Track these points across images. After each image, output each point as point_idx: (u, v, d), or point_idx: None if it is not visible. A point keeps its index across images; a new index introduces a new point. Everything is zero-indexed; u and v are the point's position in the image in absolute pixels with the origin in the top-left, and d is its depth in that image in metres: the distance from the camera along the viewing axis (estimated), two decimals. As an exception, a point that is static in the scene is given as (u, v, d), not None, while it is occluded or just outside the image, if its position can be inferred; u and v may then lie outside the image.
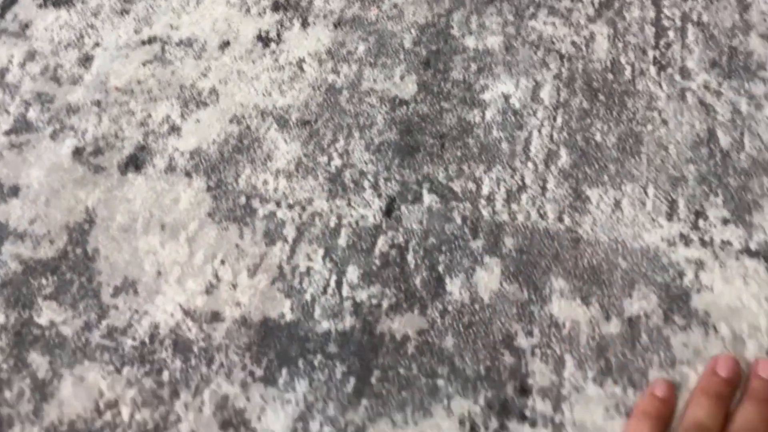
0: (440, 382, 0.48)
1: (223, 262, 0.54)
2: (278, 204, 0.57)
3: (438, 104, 0.61)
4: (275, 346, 0.50)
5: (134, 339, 0.51)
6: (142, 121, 0.63)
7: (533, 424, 0.46)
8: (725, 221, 0.53)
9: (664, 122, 0.59)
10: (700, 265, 0.51)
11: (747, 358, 0.47)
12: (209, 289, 0.53)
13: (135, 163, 0.60)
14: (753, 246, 0.52)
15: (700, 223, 0.53)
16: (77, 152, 0.61)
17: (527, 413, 0.46)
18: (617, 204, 0.55)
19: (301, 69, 0.64)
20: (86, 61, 0.68)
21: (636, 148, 0.58)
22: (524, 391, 0.47)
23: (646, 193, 0.55)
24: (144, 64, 0.66)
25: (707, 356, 0.47)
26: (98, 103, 0.65)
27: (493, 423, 0.46)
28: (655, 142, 0.58)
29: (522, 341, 0.49)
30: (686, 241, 0.53)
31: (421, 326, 0.50)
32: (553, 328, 0.50)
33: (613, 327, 0.49)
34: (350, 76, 0.63)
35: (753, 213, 0.54)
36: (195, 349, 0.51)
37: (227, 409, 0.48)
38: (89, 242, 0.56)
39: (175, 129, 0.62)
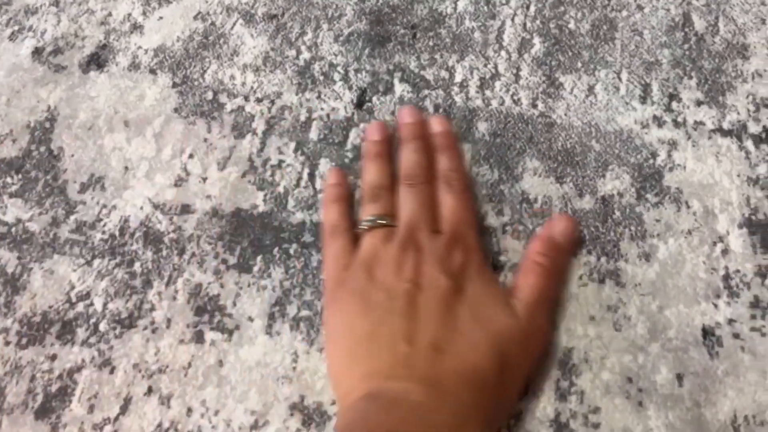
0: (415, 264, 0.48)
1: (191, 156, 0.53)
2: (246, 98, 0.55)
3: (409, -5, 0.59)
4: (248, 235, 0.50)
5: (104, 233, 0.51)
6: (103, 20, 0.60)
7: (508, 299, 0.46)
8: (699, 103, 0.53)
9: (639, 7, 0.58)
10: (673, 145, 0.51)
11: (719, 231, 0.48)
12: (178, 183, 0.52)
13: (97, 61, 0.58)
14: (725, 125, 0.52)
15: (674, 105, 0.53)
16: (37, 52, 0.59)
17: (502, 289, 0.47)
18: (591, 89, 0.54)
19: (267, -37, 0.62)
20: (40, -38, 0.65)
21: (610, 34, 0.57)
22: (496, 268, 0.47)
23: (619, 78, 0.55)
24: (102, -36, 0.64)
25: (678, 230, 0.48)
26: (56, 3, 0.62)
27: (468, 300, 0.46)
28: (629, 27, 0.57)
29: (492, 220, 0.49)
30: (659, 122, 0.52)
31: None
32: (524, 203, 0.49)
33: (586, 203, 0.49)
34: (317, -31, 0.61)
35: (726, 94, 0.53)
36: (166, 240, 0.50)
37: (201, 296, 0.48)
38: (53, 140, 0.54)
39: (137, 27, 0.60)
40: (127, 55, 0.58)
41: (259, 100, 0.55)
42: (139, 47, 0.58)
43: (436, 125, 0.49)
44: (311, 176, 0.51)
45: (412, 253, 0.40)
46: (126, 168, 0.53)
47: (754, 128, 0.52)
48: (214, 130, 0.54)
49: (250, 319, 0.46)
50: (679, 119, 0.52)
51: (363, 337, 0.38)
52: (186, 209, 0.51)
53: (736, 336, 0.44)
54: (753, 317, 0.45)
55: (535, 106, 0.54)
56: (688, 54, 0.55)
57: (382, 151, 0.48)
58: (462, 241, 0.42)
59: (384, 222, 0.43)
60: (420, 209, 0.43)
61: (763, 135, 0.51)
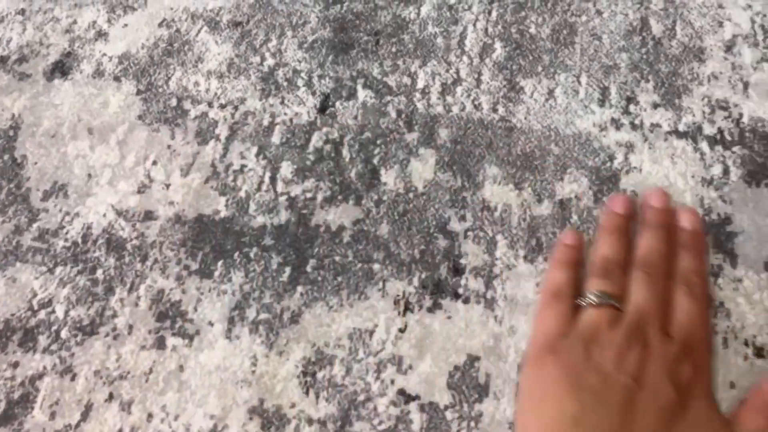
0: (375, 267, 0.48)
1: (155, 162, 0.53)
2: (210, 104, 0.56)
3: (373, 2, 0.60)
4: (210, 241, 0.50)
5: (66, 240, 0.51)
6: (68, 27, 0.61)
7: (466, 300, 0.47)
8: (655, 105, 0.54)
9: (599, 12, 0.59)
10: (629, 147, 0.52)
11: (672, 232, 0.48)
12: (141, 189, 0.52)
13: (61, 69, 0.58)
14: (681, 127, 0.53)
15: (631, 108, 0.54)
16: (2, 61, 0.59)
17: (460, 291, 0.47)
18: (551, 93, 0.55)
19: (232, -29, 0.62)
20: (6, -30, 0.65)
21: (570, 39, 0.58)
22: (457, 271, 0.48)
23: (579, 81, 0.55)
24: (68, -29, 0.64)
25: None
26: (22, 12, 0.62)
27: (427, 302, 0.47)
28: (589, 32, 0.58)
29: (455, 225, 0.50)
30: (617, 125, 0.53)
31: (356, 216, 0.50)
32: (485, 211, 0.50)
33: (545, 209, 0.50)
34: (282, -24, 0.62)
35: (682, 97, 0.54)
36: (129, 247, 0.50)
37: (163, 302, 0.48)
38: (17, 148, 0.55)
39: (102, 34, 0.60)
40: (91, 63, 0.58)
41: (222, 106, 0.55)
42: (104, 54, 0.59)
43: (686, 221, 0.44)
44: (272, 180, 0.52)
45: (638, 348, 0.36)
46: (89, 175, 0.53)
47: (709, 130, 0.52)
48: (178, 137, 0.54)
49: (211, 324, 0.47)
50: (636, 122, 0.53)
51: (567, 417, 0.34)
52: (149, 216, 0.51)
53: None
54: (705, 316, 0.45)
55: (495, 110, 0.55)
56: (646, 58, 0.56)
57: (621, 227, 0.44)
58: (694, 355, 0.37)
59: (613, 303, 0.39)
60: (654, 302, 0.39)
61: (718, 137, 0.52)
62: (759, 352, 0.44)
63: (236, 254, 0.49)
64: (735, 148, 0.51)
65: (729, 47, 0.56)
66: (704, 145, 0.52)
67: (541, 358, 0.38)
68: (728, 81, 0.55)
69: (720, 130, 0.52)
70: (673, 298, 0.39)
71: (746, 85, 0.54)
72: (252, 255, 0.49)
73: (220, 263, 0.49)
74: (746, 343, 0.44)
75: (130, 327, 0.48)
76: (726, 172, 0.50)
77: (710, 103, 0.54)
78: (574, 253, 0.43)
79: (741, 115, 0.53)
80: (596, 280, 0.41)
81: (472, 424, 0.43)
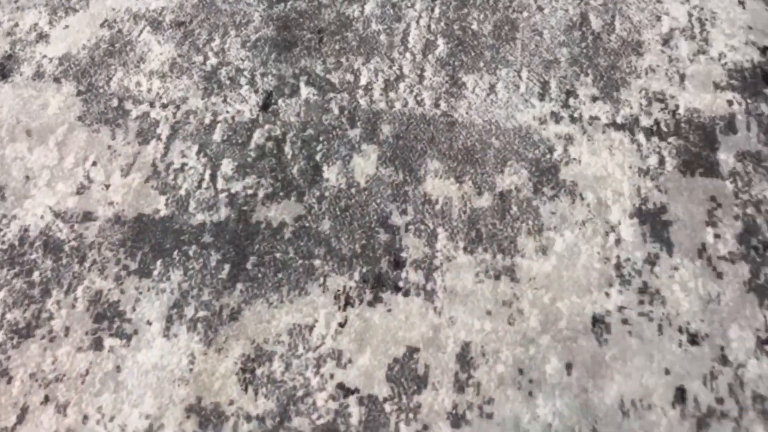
0: (316, 263, 0.48)
1: (94, 163, 0.53)
2: (152, 104, 0.55)
3: (316, 0, 0.60)
4: (150, 240, 0.50)
5: (2, 243, 0.50)
6: (9, 30, 0.60)
7: (406, 293, 0.47)
8: (594, 98, 0.55)
9: (540, 8, 0.59)
10: (569, 140, 0.53)
11: (611, 221, 0.49)
12: (81, 190, 0.52)
13: (1, 72, 0.58)
14: (619, 120, 0.53)
15: (571, 101, 0.55)
16: (-62, 64, 0.58)
17: (401, 284, 0.47)
18: (492, 88, 0.56)
19: (175, -29, 0.62)
20: (-54, -27, 0.64)
21: (511, 35, 0.58)
22: (398, 264, 0.48)
23: (520, 76, 0.56)
24: (9, -26, 0.63)
25: (573, 222, 0.49)
26: (-40, 15, 0.61)
27: (368, 295, 0.47)
28: (530, 27, 0.58)
29: (396, 219, 0.50)
30: (557, 118, 0.54)
31: (297, 212, 0.50)
32: (426, 205, 0.50)
33: (485, 201, 0.50)
34: (226, -24, 0.62)
35: (621, 90, 0.55)
36: (66, 248, 0.50)
37: (101, 303, 0.47)
38: (-48, 152, 0.54)
39: (43, 36, 0.59)
40: (31, 65, 0.58)
41: (164, 106, 0.55)
42: (44, 56, 0.58)
43: None
44: (213, 177, 0.52)
45: None
46: (27, 177, 0.52)
47: (646, 122, 0.53)
48: (119, 137, 0.54)
49: (149, 323, 0.46)
50: (576, 115, 0.54)
51: None
52: (88, 216, 0.51)
53: (625, 322, 0.45)
54: (641, 303, 0.46)
55: (437, 106, 0.55)
56: (585, 52, 0.57)
57: None
58: None
59: None
60: None
61: (655, 128, 0.53)
62: (693, 339, 0.45)
63: (175, 253, 0.49)
64: (671, 139, 0.52)
65: (666, 40, 0.57)
66: (641, 137, 0.53)
67: None
68: (665, 73, 0.56)
69: (657, 122, 0.53)
70: None
71: (683, 77, 0.55)
72: (191, 253, 0.49)
73: (159, 262, 0.49)
74: (680, 330, 0.45)
75: (67, 329, 0.47)
76: (662, 162, 0.51)
77: (647, 96, 0.54)
78: None
79: (677, 106, 0.54)
80: None
81: (411, 415, 0.43)
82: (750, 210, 0.49)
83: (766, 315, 0.45)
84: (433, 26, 0.59)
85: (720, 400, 0.43)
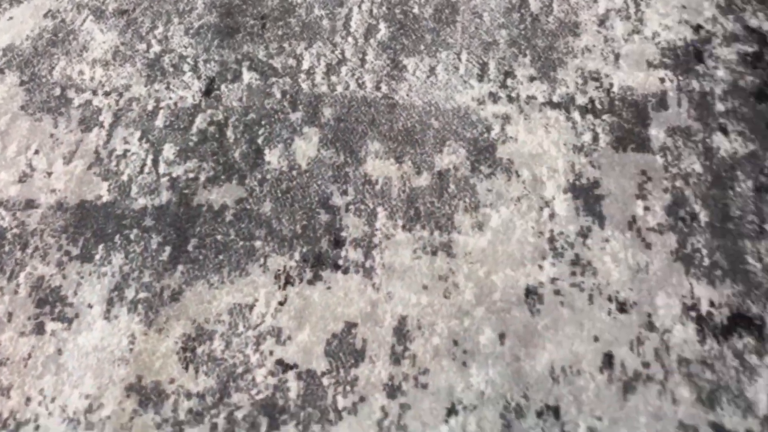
0: (257, 244, 0.49)
1: (37, 152, 0.53)
2: (94, 92, 0.56)
3: (260, -12, 0.61)
4: (92, 225, 0.50)
5: (-56, 231, 0.50)
6: (-50, 21, 0.60)
7: (346, 270, 0.48)
8: (532, 78, 0.56)
9: (479, -8, 0.60)
10: (506, 119, 0.54)
11: (546, 197, 0.50)
12: (23, 179, 0.52)
13: (-58, 62, 0.58)
14: (555, 99, 0.55)
15: (509, 81, 0.56)
16: None
17: (340, 262, 0.48)
18: (432, 70, 0.57)
19: (119, -40, 0.62)
20: None
21: (452, 18, 0.59)
22: (338, 243, 0.49)
23: (459, 58, 0.57)
24: (-49, -35, 0.63)
25: (509, 198, 0.50)
26: None
27: (308, 274, 0.48)
28: (470, 11, 0.60)
29: (337, 200, 0.51)
30: (495, 98, 0.55)
31: (239, 195, 0.51)
32: (367, 185, 0.51)
33: (424, 180, 0.51)
34: (170, -36, 0.62)
35: (557, 69, 0.56)
36: (9, 236, 0.50)
37: (43, 288, 0.48)
38: None
39: (-15, 27, 0.59)
40: (-26, 55, 0.58)
41: (107, 94, 0.56)
42: (-13, 47, 0.58)
43: None
44: (155, 162, 0.52)
45: None
46: (-31, 166, 0.53)
47: (581, 100, 0.55)
48: (61, 126, 0.54)
49: (90, 307, 0.47)
50: (513, 95, 0.55)
51: None
52: (30, 204, 0.51)
53: (557, 293, 0.47)
54: (573, 274, 0.47)
55: (378, 88, 0.56)
56: (524, 33, 0.58)
57: None
58: None
59: None
60: None
61: (589, 106, 0.54)
62: (621, 307, 0.46)
63: (117, 237, 0.49)
64: (605, 116, 0.54)
65: (602, 21, 0.59)
66: (576, 115, 0.54)
67: None
68: (600, 53, 0.57)
69: (591, 100, 0.55)
70: None
71: (617, 57, 0.57)
72: (132, 236, 0.49)
73: (101, 247, 0.49)
74: (610, 299, 0.46)
75: (10, 314, 0.47)
76: (595, 139, 0.53)
77: (583, 75, 0.56)
78: None
79: (611, 85, 0.55)
80: None
81: (348, 388, 0.44)
82: (678, 183, 0.50)
83: (691, 283, 0.47)
84: (375, 11, 0.60)
85: (646, 365, 0.44)
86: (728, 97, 0.54)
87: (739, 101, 0.54)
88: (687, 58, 0.56)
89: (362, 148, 0.53)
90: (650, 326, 0.45)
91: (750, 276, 0.47)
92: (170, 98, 0.55)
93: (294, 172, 0.52)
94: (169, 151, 0.52)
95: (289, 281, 0.48)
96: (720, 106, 0.54)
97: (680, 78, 0.55)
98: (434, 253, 0.48)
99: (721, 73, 0.55)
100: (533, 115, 0.54)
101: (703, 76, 0.55)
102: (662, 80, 0.55)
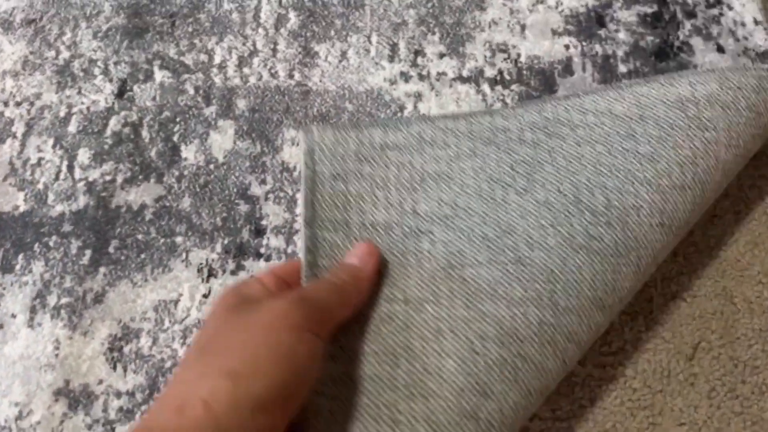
0: (178, 240, 0.50)
1: (-50, 167, 0.53)
2: (6, 104, 0.55)
3: (168, -14, 0.61)
4: (10, 236, 0.50)
5: None
6: None
7: (268, 258, 0.49)
8: (441, 55, 0.57)
9: (386, -26, 0.61)
10: (418, 97, 0.55)
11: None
12: (-63, 195, 0.52)
13: None
14: (465, 73, 0.56)
15: (419, 60, 0.57)
16: None
17: (262, 251, 0.49)
18: (344, 55, 0.57)
19: (22, -31, 0.62)
20: None
21: (360, 2, 0.60)
22: (259, 232, 0.50)
23: (370, 41, 0.58)
24: None
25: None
26: None
27: (230, 265, 0.49)
28: (378, -7, 0.60)
29: (256, 189, 0.51)
30: (406, 78, 0.56)
31: (158, 193, 0.51)
32: (285, 172, 0.52)
33: (338, 162, 0.52)
34: (74, -31, 0.62)
35: (466, 45, 0.58)
36: (-74, 254, 0.50)
37: (-36, 303, 0.48)
38: None
39: None
40: None
41: (18, 104, 0.55)
42: None
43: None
44: (70, 168, 0.52)
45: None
46: None
47: (490, 72, 0.56)
48: (-27, 139, 0.54)
49: (13, 316, 0.47)
50: (424, 72, 0.56)
51: None
52: (-54, 220, 0.51)
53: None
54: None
55: (291, 77, 0.56)
56: (432, 12, 0.59)
57: None
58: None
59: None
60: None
61: (498, 77, 0.56)
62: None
63: (36, 245, 0.49)
64: (513, 86, 0.55)
65: (507, -6, 0.60)
66: (486, 87, 0.55)
67: None
68: (507, 25, 0.58)
69: (500, 71, 0.56)
70: None
71: (523, 27, 0.58)
72: (51, 243, 0.49)
73: (20, 256, 0.49)
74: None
75: (-67, 332, 0.47)
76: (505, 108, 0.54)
77: (491, 48, 0.57)
78: None
79: (519, 55, 0.57)
80: None
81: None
82: (585, 144, 0.52)
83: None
84: (284, 0, 0.60)
85: None
86: (630, 58, 0.56)
87: (640, 61, 0.56)
88: (589, 24, 0.58)
89: (278, 137, 0.54)
90: None
91: None
92: (82, 103, 0.55)
93: (211, 166, 0.53)
94: (84, 155, 0.52)
95: (212, 273, 0.48)
96: (622, 68, 0.55)
97: (584, 43, 0.57)
98: (353, 233, 0.49)
99: (622, 35, 0.57)
100: (444, 91, 0.55)
101: (605, 40, 0.57)
102: (567, 47, 0.57)
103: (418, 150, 0.47)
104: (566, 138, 0.46)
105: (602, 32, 0.57)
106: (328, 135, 0.47)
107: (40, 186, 0.52)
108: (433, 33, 0.58)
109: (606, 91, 0.48)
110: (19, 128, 0.54)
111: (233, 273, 0.48)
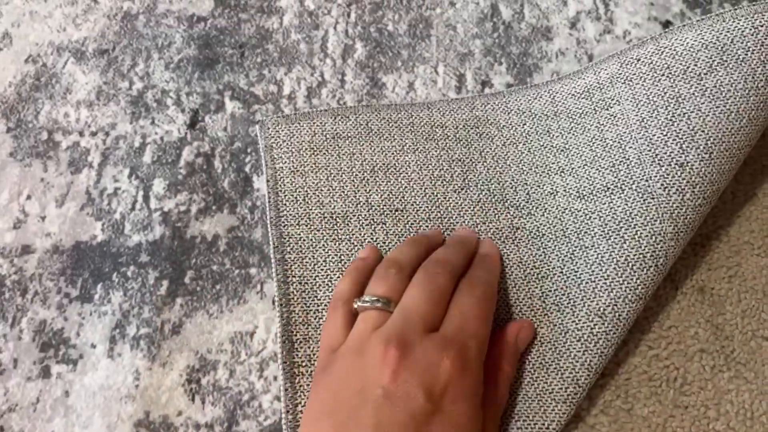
0: (252, 271, 0.50)
1: (29, 197, 0.54)
2: (81, 134, 0.57)
3: (236, 16, 0.62)
4: (89, 266, 0.51)
5: (-57, 283, 0.51)
6: (-66, 74, 0.61)
7: (341, 292, 0.49)
8: (508, 86, 0.57)
9: (452, 4, 0.62)
10: (487, 127, 0.55)
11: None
12: (17, 225, 0.53)
13: (-71, 116, 0.58)
14: (533, 103, 0.56)
15: (486, 90, 0.57)
16: None
17: (335, 283, 0.49)
18: (411, 85, 0.58)
19: (95, 0, 0.63)
20: None
21: (426, 32, 0.60)
22: (331, 264, 0.50)
23: (436, 71, 0.58)
24: (-70, 18, 0.64)
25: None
26: None
27: (304, 298, 0.49)
28: (443, 23, 0.61)
29: (327, 221, 0.52)
30: (474, 108, 0.56)
31: (231, 224, 0.52)
32: (355, 204, 0.52)
33: (409, 194, 0.52)
34: (145, 0, 0.63)
35: (533, 75, 0.57)
36: (8, 282, 0.51)
37: (46, 332, 0.49)
38: None
39: (-32, 77, 0.60)
40: (-41, 106, 0.59)
41: (93, 134, 0.56)
42: (-28, 97, 0.59)
43: (486, 248, 0.44)
44: (146, 198, 0.53)
45: (394, 352, 0.34)
46: (-37, 217, 0.53)
47: (558, 103, 0.56)
48: (51, 169, 0.55)
49: (93, 346, 0.48)
50: (492, 103, 0.56)
51: None
52: (26, 250, 0.52)
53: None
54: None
55: (360, 107, 0.57)
56: (498, 42, 0.59)
57: (423, 239, 0.43)
58: (457, 347, 0.34)
59: (379, 305, 0.37)
60: (423, 299, 0.37)
61: (567, 108, 0.55)
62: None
63: (114, 275, 0.50)
64: (583, 117, 0.55)
65: (573, 23, 0.60)
66: (555, 118, 0.55)
67: (316, 378, 0.38)
68: (574, 55, 0.58)
69: (569, 102, 0.56)
70: (453, 297, 0.38)
71: (590, 57, 0.58)
72: (129, 273, 0.50)
73: (99, 286, 0.50)
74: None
75: (15, 361, 0.48)
76: (575, 140, 0.53)
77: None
78: (365, 263, 0.43)
79: (587, 85, 0.56)
80: (373, 283, 0.40)
81: (353, 406, 0.45)
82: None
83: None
84: (350, 31, 0.61)
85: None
86: (701, 89, 0.55)
87: (712, 92, 0.55)
88: (658, 54, 0.57)
89: (348, 168, 0.54)
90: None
91: None
92: (156, 133, 0.56)
93: (283, 197, 0.53)
94: (159, 185, 0.53)
95: (286, 305, 0.49)
96: (694, 99, 0.55)
97: (653, 74, 0.56)
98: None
99: (692, 65, 0.56)
100: (513, 122, 0.55)
101: (675, 70, 0.56)
102: (636, 77, 0.56)
103: (366, 140, 0.51)
104: (494, 138, 0.50)
105: (672, 62, 0.57)
106: (282, 128, 0.51)
107: (117, 216, 0.52)
108: (500, 63, 0.58)
109: (527, 90, 0.53)
110: (95, 158, 0.55)
111: (307, 305, 0.48)
